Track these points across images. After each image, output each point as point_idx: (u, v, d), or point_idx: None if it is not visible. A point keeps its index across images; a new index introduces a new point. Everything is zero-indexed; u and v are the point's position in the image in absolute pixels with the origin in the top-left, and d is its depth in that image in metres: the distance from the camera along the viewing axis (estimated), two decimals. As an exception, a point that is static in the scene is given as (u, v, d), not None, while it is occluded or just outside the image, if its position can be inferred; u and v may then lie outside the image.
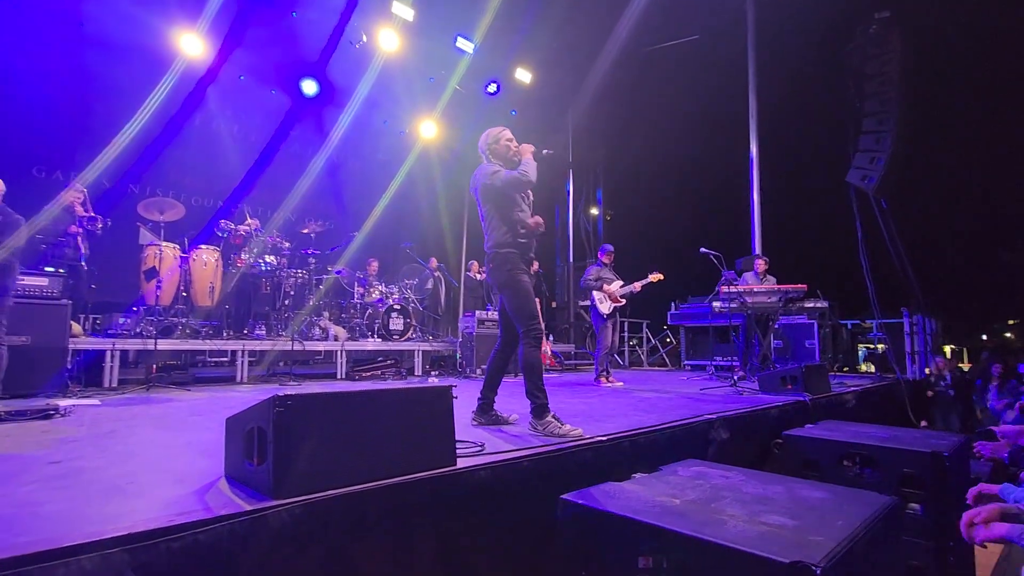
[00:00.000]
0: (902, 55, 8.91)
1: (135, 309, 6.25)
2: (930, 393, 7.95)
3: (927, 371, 8.53)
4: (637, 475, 2.47)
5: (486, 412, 3.38)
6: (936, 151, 9.33)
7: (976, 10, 8.52)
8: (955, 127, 9.26)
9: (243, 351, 6.26)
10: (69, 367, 4.94)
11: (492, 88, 10.64)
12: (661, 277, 6.75)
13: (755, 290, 6.80)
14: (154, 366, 5.98)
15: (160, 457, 2.47)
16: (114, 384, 5.32)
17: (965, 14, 8.61)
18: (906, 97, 8.87)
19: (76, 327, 5.32)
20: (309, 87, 9.41)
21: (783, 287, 6.76)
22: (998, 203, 9.82)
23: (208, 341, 6.24)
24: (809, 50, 9.86)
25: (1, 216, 4.05)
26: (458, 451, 2.31)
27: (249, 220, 7.19)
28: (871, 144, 9.04)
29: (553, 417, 3.05)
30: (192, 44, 7.68)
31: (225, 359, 6.67)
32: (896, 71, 8.92)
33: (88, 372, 5.38)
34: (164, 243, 6.21)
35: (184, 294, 6.45)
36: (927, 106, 8.99)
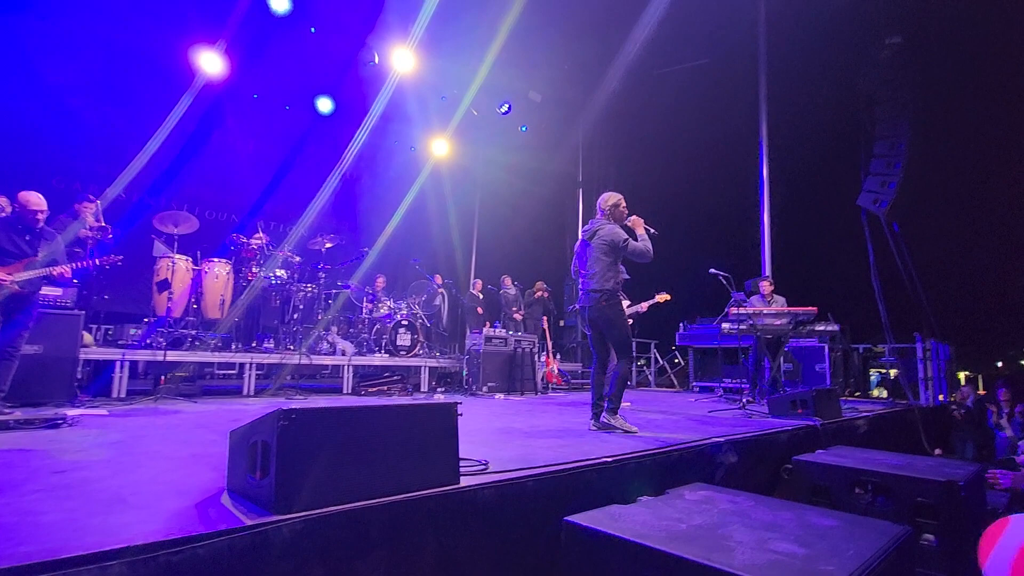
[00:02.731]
0: (914, 81, 8.92)
1: (146, 320, 6.31)
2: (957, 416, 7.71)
3: (951, 398, 8.33)
4: (643, 498, 2.44)
5: (598, 418, 4.07)
6: (949, 174, 9.29)
7: (989, 35, 8.53)
8: (968, 150, 9.23)
9: (251, 364, 6.28)
10: (79, 377, 4.98)
11: (504, 108, 10.80)
12: (668, 297, 6.73)
13: (765, 312, 6.73)
14: (163, 377, 6.01)
15: (164, 469, 2.47)
16: (122, 395, 5.34)
17: (977, 39, 8.63)
18: (918, 121, 8.87)
19: (87, 337, 5.37)
20: (324, 105, 9.58)
21: (793, 309, 6.68)
22: (1012, 226, 9.72)
23: (217, 353, 6.26)
24: (820, 74, 9.90)
25: (51, 239, 4.31)
26: (462, 469, 2.29)
27: (259, 234, 7.26)
28: (882, 168, 9.03)
29: (620, 416, 4.00)
30: (211, 62, 7.86)
31: (233, 371, 6.69)
32: (908, 96, 8.93)
33: (97, 382, 5.42)
34: (177, 256, 6.29)
35: (195, 306, 6.50)
36: (939, 130, 8.98)
